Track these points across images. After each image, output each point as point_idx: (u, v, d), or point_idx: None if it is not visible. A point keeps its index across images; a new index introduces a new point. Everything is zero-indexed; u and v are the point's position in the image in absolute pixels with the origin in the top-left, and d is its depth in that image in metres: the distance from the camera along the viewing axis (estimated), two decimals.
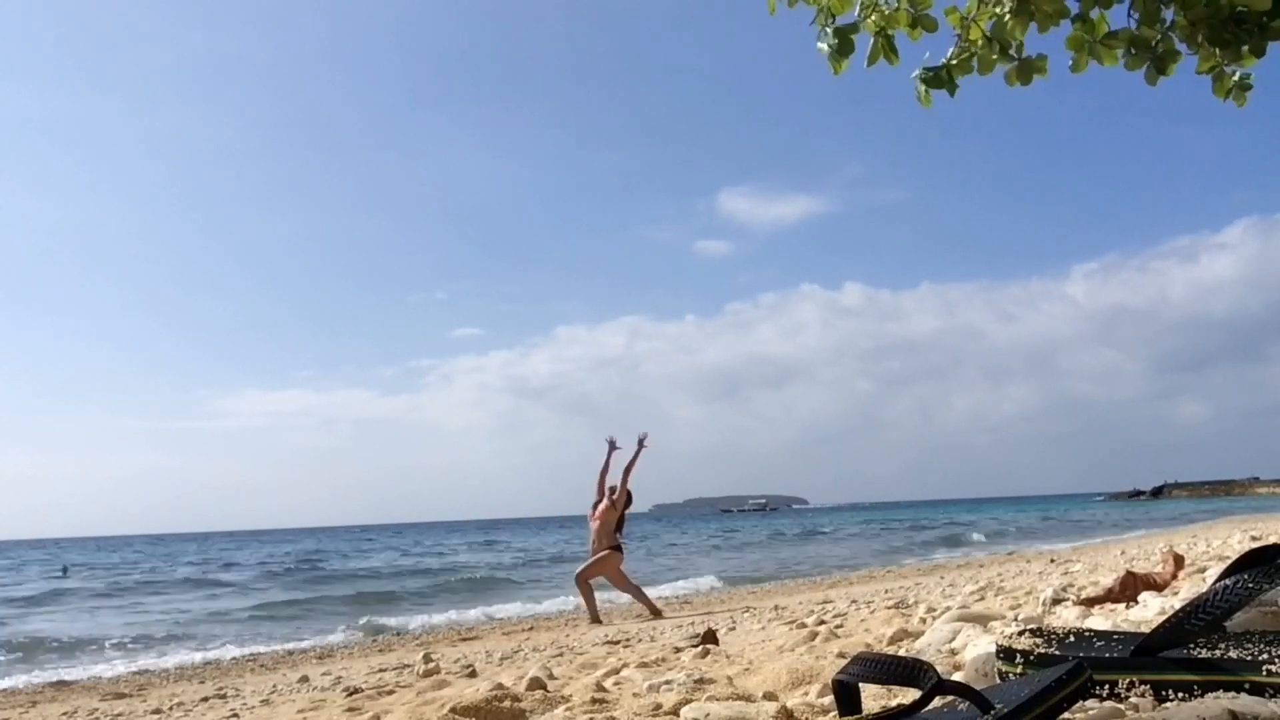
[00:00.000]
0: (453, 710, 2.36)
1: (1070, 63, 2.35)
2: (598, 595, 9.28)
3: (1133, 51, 2.33)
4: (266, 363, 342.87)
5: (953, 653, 2.32)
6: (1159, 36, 2.31)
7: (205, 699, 5.74)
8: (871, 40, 2.32)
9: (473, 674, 4.47)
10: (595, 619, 8.98)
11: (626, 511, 9.28)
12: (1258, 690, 1.39)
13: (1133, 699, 1.47)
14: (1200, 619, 1.47)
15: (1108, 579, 3.53)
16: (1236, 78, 2.36)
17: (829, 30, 2.31)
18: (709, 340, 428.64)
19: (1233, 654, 1.45)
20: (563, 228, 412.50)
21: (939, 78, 2.34)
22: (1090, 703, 1.49)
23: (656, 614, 9.07)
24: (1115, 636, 1.66)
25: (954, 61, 2.36)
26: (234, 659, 9.02)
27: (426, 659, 5.54)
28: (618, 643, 6.20)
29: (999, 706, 1.20)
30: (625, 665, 3.28)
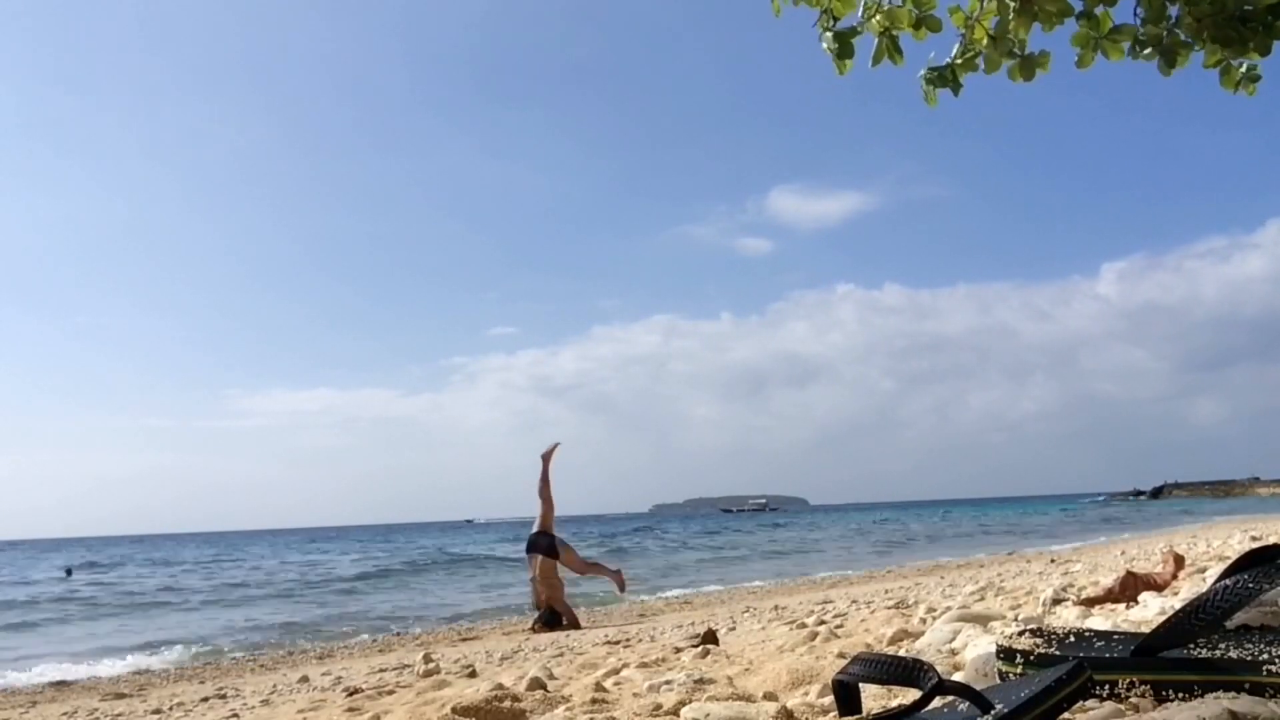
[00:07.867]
0: (453, 710, 2.36)
1: (1076, 58, 2.36)
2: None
3: (1140, 49, 2.33)
4: (299, 362, 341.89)
5: (953, 653, 2.32)
6: (1164, 33, 2.32)
7: (205, 699, 5.73)
8: (876, 41, 2.33)
9: (473, 674, 4.46)
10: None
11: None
12: (1258, 690, 1.38)
13: (1133, 699, 1.47)
14: (1200, 619, 1.47)
15: (1108, 579, 3.53)
16: (1244, 69, 2.37)
17: (830, 33, 2.32)
18: (742, 339, 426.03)
19: (1233, 654, 1.45)
20: (608, 227, 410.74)
21: (943, 76, 2.35)
22: (1090, 703, 1.48)
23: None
24: (1115, 636, 1.66)
25: (959, 61, 2.37)
26: (234, 659, 9.02)
27: (426, 659, 5.53)
28: (618, 643, 6.19)
29: (999, 706, 1.20)
30: (625, 665, 3.28)
